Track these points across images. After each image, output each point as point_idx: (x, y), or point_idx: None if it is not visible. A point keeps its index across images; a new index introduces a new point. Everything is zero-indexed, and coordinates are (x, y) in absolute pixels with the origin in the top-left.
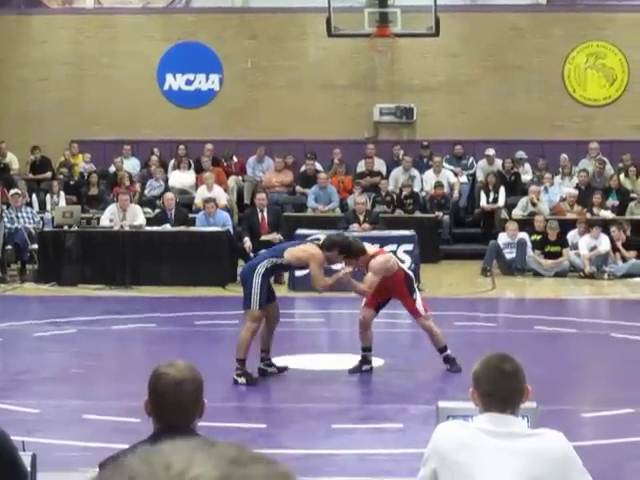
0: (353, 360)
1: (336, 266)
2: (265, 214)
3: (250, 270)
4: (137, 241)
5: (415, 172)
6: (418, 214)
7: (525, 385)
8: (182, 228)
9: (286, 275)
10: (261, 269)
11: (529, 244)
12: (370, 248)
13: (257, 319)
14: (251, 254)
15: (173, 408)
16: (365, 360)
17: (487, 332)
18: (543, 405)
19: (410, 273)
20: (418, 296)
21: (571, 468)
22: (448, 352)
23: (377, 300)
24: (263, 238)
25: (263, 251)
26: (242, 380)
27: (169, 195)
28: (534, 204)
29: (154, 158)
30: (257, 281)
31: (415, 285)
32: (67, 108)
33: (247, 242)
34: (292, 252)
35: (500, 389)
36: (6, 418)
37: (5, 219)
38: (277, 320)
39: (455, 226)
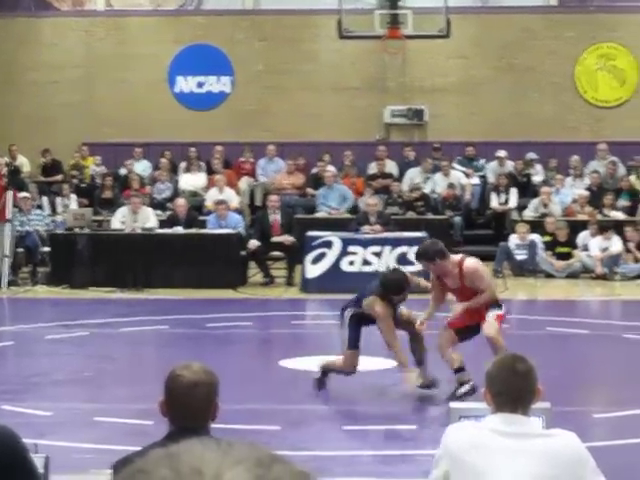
0: (365, 362)
1: None
2: (277, 216)
3: (341, 313)
4: (148, 243)
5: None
6: (430, 216)
7: (537, 386)
8: (193, 230)
9: (297, 276)
10: (347, 314)
11: (540, 245)
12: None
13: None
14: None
15: (187, 410)
16: (461, 382)
17: None
18: (555, 406)
19: None
20: None
21: (584, 468)
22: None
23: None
24: (274, 240)
25: (352, 297)
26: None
27: (180, 202)
28: (545, 205)
29: (164, 161)
30: (346, 325)
31: None
32: (78, 111)
33: (252, 244)
34: (365, 305)
35: (512, 389)
36: (19, 420)
37: (16, 222)
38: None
39: (466, 228)
